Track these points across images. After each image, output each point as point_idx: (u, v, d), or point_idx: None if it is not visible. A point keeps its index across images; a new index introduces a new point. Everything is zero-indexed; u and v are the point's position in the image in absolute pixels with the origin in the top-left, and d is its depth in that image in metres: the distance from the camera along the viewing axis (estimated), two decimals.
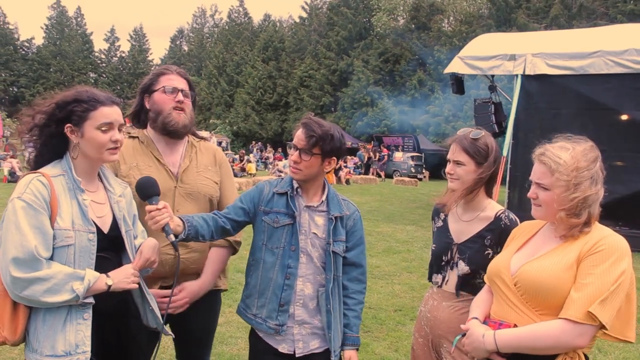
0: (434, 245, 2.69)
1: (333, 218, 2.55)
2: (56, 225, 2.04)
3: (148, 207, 2.16)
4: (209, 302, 2.82)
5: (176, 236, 2.23)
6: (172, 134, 2.69)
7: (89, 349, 2.06)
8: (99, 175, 2.30)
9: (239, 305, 2.68)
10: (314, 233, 2.54)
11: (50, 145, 2.17)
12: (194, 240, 2.39)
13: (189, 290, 2.64)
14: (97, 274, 2.09)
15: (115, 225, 2.25)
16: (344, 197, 2.69)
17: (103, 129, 2.14)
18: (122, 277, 2.14)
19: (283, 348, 2.52)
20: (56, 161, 2.17)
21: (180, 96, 2.67)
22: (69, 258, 2.06)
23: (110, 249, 2.23)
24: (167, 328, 2.49)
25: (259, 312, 2.54)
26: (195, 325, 2.79)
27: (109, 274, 2.13)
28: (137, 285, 2.19)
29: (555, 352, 1.94)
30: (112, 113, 2.17)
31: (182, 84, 2.71)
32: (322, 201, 2.58)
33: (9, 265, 1.94)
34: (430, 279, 2.70)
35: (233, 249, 2.85)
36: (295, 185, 2.57)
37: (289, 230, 2.51)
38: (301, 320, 2.53)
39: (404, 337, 5.27)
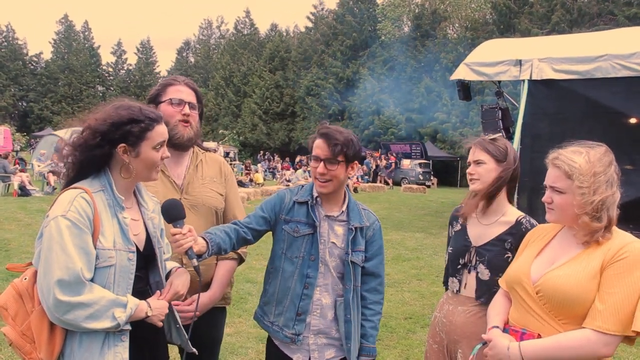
0: (450, 248, 2.68)
1: (353, 228, 2.53)
2: (99, 245, 1.96)
3: (173, 230, 2.12)
4: (213, 314, 2.80)
5: (199, 256, 2.19)
6: (176, 146, 2.67)
7: None
8: (133, 190, 2.23)
9: (256, 312, 2.68)
10: (333, 242, 2.52)
11: (94, 162, 2.06)
12: (216, 255, 2.35)
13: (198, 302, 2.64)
14: (138, 301, 2.02)
15: (149, 242, 2.20)
16: (364, 207, 2.66)
17: (158, 147, 2.09)
18: (158, 312, 2.09)
19: (298, 357, 2.51)
20: (93, 176, 2.07)
21: (186, 109, 2.65)
22: (109, 279, 1.98)
23: (144, 267, 2.17)
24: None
25: (276, 320, 2.54)
26: (201, 337, 2.75)
27: (150, 302, 2.08)
28: (162, 324, 2.14)
29: None
30: (164, 131, 2.12)
31: (189, 96, 2.70)
32: (343, 211, 2.56)
33: (53, 288, 1.84)
34: (445, 283, 2.69)
35: (241, 260, 2.84)
36: (316, 194, 2.55)
37: (309, 240, 2.50)
38: (317, 330, 2.52)
39: (414, 345, 5.25)
